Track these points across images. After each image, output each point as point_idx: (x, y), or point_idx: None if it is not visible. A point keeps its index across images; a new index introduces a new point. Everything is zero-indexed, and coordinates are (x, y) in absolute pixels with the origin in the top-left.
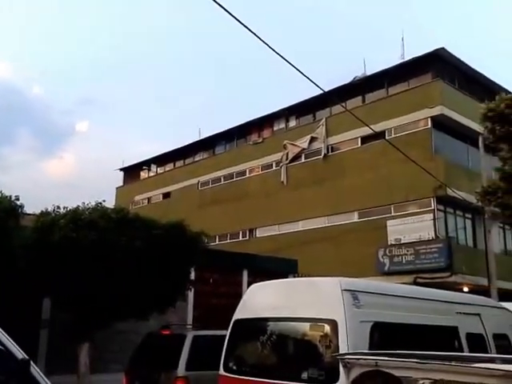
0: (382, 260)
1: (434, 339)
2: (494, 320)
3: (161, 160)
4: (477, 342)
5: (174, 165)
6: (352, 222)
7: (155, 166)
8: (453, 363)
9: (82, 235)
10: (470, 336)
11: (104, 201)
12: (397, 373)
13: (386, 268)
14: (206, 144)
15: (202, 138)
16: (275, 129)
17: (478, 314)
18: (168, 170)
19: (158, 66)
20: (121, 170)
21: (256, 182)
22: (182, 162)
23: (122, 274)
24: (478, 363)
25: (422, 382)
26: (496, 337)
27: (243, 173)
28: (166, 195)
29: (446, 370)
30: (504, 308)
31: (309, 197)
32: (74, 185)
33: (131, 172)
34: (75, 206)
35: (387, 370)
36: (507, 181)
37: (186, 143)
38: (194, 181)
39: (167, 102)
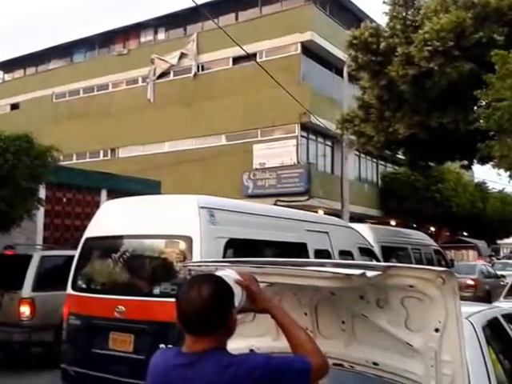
0: (246, 183)
1: (284, 254)
2: (341, 238)
3: (9, 65)
4: (324, 257)
5: (25, 72)
6: (220, 145)
7: (2, 73)
8: (286, 267)
9: None
10: (317, 252)
11: None
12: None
13: (250, 191)
14: (63, 51)
15: (57, 43)
16: (142, 40)
17: (327, 232)
18: (17, 78)
19: None
20: None
21: (120, 97)
22: (33, 69)
23: None
24: (310, 267)
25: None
26: (342, 253)
27: (106, 86)
28: (15, 106)
29: (280, 273)
30: (351, 227)
31: (177, 117)
32: None
33: None
34: None
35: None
36: (364, 109)
37: (40, 48)
38: (48, 91)
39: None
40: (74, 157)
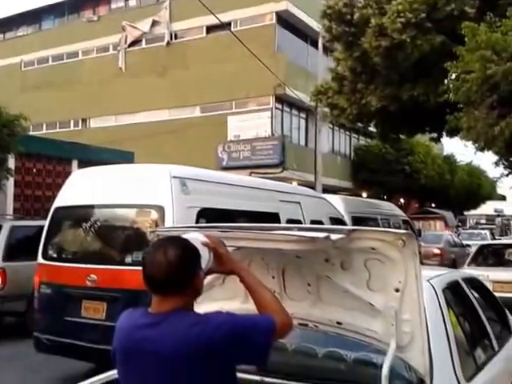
0: (221, 155)
1: (257, 223)
2: (313, 208)
3: None
4: None
5: None
6: (194, 116)
7: None
8: (253, 231)
9: None
10: (289, 221)
11: None
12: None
13: (225, 163)
14: (31, 17)
15: (25, 10)
16: (113, 7)
17: (299, 203)
18: None
19: None
20: None
21: (90, 66)
22: (1, 36)
23: None
24: (277, 231)
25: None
26: (313, 222)
27: (75, 54)
28: None
29: (247, 237)
30: (323, 198)
31: (150, 87)
32: None
33: None
34: None
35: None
36: (338, 81)
37: (7, 15)
38: (16, 59)
39: None
40: (44, 127)
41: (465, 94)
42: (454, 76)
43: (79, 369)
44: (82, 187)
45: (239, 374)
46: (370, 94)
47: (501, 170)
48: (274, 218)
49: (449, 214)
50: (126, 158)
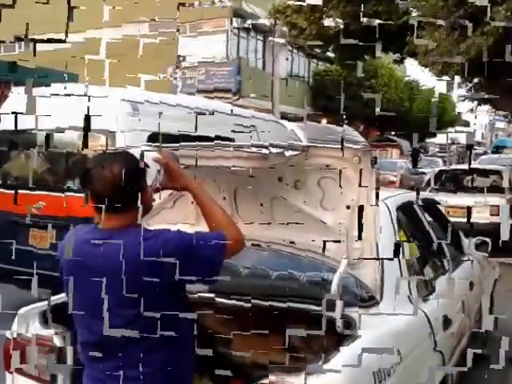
0: (175, 81)
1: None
2: (270, 133)
3: None
4: None
5: None
6: (145, 37)
7: None
8: (203, 148)
9: None
10: None
11: None
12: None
13: (179, 89)
14: None
15: None
16: None
17: (254, 126)
18: None
19: None
20: None
21: None
22: None
23: None
24: (229, 148)
25: None
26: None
27: None
28: None
29: (199, 155)
30: (278, 122)
31: (96, 4)
32: None
33: None
34: None
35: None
36: None
37: None
38: None
39: None
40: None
41: (432, 7)
42: None
43: (29, 297)
44: (23, 110)
45: (191, 295)
46: (332, 8)
47: (463, 92)
48: (229, 141)
49: (404, 143)
50: (71, 80)
